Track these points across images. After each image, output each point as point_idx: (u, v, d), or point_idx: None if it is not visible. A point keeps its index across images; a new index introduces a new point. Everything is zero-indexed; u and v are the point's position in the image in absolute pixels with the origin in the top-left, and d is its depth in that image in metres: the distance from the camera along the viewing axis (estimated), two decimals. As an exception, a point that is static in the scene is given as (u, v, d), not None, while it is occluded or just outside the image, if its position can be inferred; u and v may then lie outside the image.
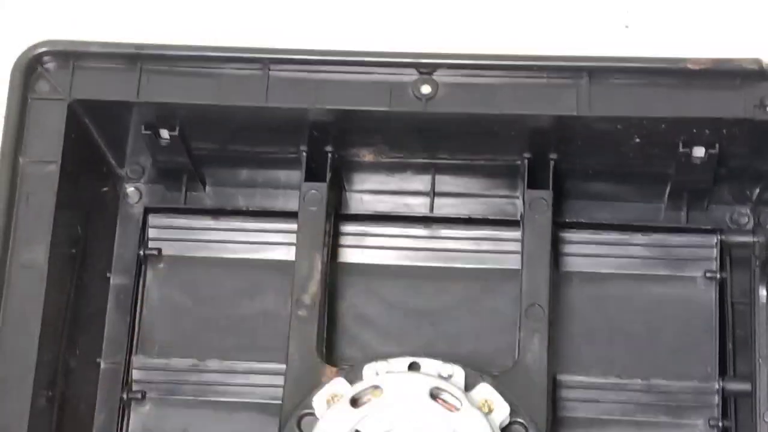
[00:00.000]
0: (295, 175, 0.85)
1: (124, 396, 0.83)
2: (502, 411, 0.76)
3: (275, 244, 0.87)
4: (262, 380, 0.84)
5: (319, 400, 0.77)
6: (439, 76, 0.78)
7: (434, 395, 0.74)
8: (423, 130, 0.81)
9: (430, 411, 0.74)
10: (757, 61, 0.77)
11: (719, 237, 0.85)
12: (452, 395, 0.74)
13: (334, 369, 0.79)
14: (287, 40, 0.79)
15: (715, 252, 0.85)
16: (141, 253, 0.86)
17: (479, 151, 0.83)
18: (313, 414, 0.77)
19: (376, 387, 0.75)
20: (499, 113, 0.78)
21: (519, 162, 0.82)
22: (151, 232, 0.87)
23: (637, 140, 0.80)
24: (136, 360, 0.85)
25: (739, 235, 0.85)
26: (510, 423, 0.76)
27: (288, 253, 0.85)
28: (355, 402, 0.75)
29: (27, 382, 0.75)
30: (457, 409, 0.74)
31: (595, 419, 0.82)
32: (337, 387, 0.77)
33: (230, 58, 0.80)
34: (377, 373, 0.77)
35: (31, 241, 0.77)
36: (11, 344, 0.75)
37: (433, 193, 0.87)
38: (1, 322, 0.76)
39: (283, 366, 0.80)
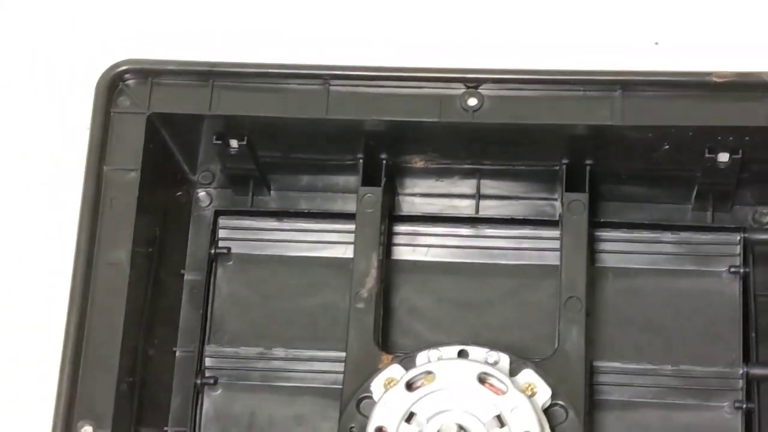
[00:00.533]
0: (353, 180, 0.88)
1: (198, 382, 0.85)
2: (544, 394, 0.78)
3: (334, 243, 0.89)
4: (323, 367, 0.86)
5: (376, 385, 0.79)
6: (484, 89, 0.81)
7: (482, 380, 0.77)
8: (469, 139, 0.83)
9: (479, 394, 0.77)
10: (778, 73, 0.79)
11: (742, 235, 0.87)
12: (498, 380, 0.77)
13: (389, 356, 0.81)
14: (346, 57, 0.81)
15: (738, 249, 0.87)
16: (212, 251, 0.88)
17: (521, 158, 0.85)
18: (371, 397, 0.79)
19: (429, 372, 0.78)
20: (540, 123, 0.80)
21: (557, 167, 0.84)
22: (221, 233, 0.90)
23: (666, 147, 0.82)
24: (209, 349, 0.87)
25: (760, 233, 0.87)
26: (551, 405, 0.78)
27: (345, 252, 0.88)
28: (409, 386, 0.77)
29: (112, 368, 0.78)
30: (503, 393, 0.76)
31: (629, 402, 0.84)
32: (393, 372, 0.79)
33: (294, 74, 0.82)
34: (429, 360, 0.79)
35: (115, 241, 0.80)
36: (98, 334, 0.78)
37: (478, 196, 0.89)
38: (89, 315, 0.78)
39: (343, 354, 0.82)
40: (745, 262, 0.86)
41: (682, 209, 0.89)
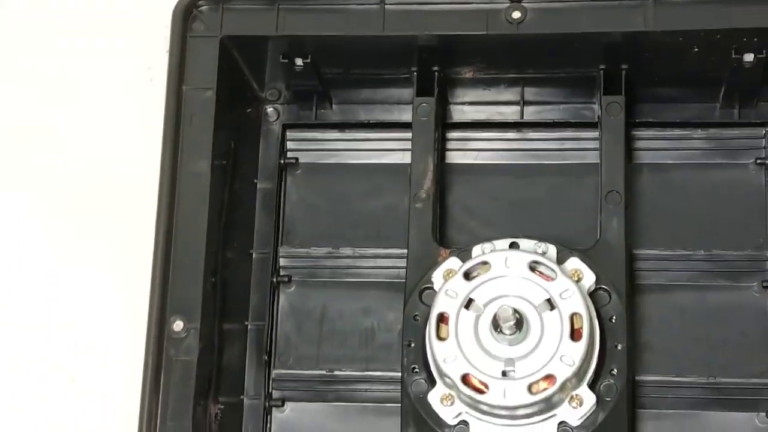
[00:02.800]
0: (407, 93, 0.87)
1: (274, 280, 0.86)
2: (589, 279, 0.78)
3: (392, 150, 0.90)
4: (387, 263, 0.86)
5: (437, 276, 0.80)
6: (527, 3, 0.80)
7: (533, 268, 0.77)
8: (514, 50, 0.83)
9: (531, 281, 0.77)
10: (805, -27, 0.78)
11: (767, 129, 0.86)
12: (548, 267, 0.77)
13: (447, 250, 0.81)
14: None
15: (763, 142, 0.87)
16: (281, 162, 0.89)
17: (561, 65, 0.85)
18: (432, 288, 0.80)
19: (485, 263, 0.78)
20: (578, 32, 0.80)
21: (595, 73, 0.84)
22: (289, 144, 0.90)
23: (696, 50, 0.81)
24: (282, 250, 0.88)
25: (784, 124, 0.86)
26: (596, 289, 0.79)
27: (403, 158, 0.88)
28: (467, 275, 0.78)
29: (198, 268, 0.79)
30: (553, 279, 0.77)
31: (666, 285, 0.84)
32: (451, 264, 0.80)
33: (352, -6, 0.82)
34: (483, 252, 0.79)
35: (196, 154, 0.81)
36: (184, 238, 0.79)
37: (522, 102, 0.89)
38: (175, 222, 0.79)
39: (404, 251, 0.83)
40: (771, 153, 0.85)
41: (710, 107, 0.88)
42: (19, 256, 0.84)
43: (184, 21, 0.83)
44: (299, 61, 0.85)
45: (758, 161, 0.87)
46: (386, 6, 0.82)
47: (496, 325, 0.75)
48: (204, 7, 0.83)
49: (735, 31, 0.80)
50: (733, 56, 0.81)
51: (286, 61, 0.85)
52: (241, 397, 0.85)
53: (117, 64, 0.83)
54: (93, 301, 0.82)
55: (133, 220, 0.82)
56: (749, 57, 0.82)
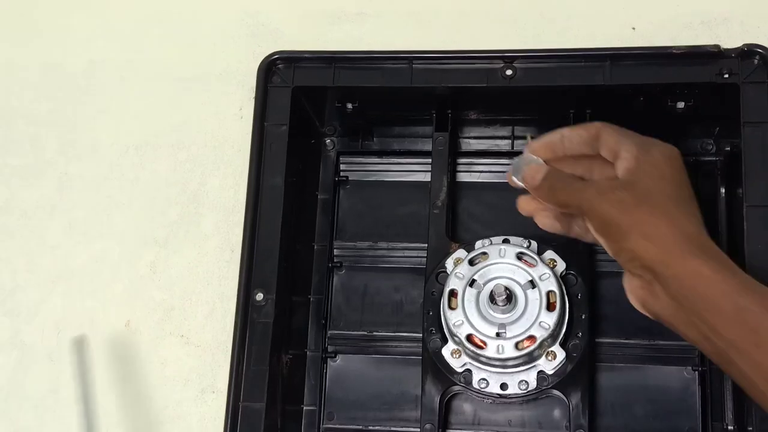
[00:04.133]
0: (428, 129, 0.88)
1: (329, 265, 0.87)
2: (561, 266, 0.79)
3: (416, 171, 0.90)
4: (412, 254, 0.87)
5: (449, 263, 0.80)
6: (517, 63, 0.81)
7: (519, 257, 0.78)
8: (507, 98, 0.83)
9: (518, 266, 0.78)
10: (717, 46, 0.78)
11: (692, 158, 0.86)
12: (531, 256, 0.78)
13: (456, 244, 0.82)
14: (423, 44, 0.83)
15: (691, 168, 0.84)
16: (336, 179, 0.90)
17: (542, 110, 0.85)
18: (445, 271, 0.80)
19: (484, 253, 0.79)
20: (556, 85, 0.81)
21: (568, 115, 0.84)
22: (342, 167, 0.90)
23: (641, 99, 0.81)
24: (336, 244, 0.88)
25: (706, 156, 0.86)
26: (566, 274, 0.79)
27: (425, 177, 0.88)
28: (471, 262, 0.79)
29: (274, 256, 0.79)
30: (534, 266, 0.77)
31: (618, 271, 0.73)
32: (459, 254, 0.80)
33: (388, 57, 0.83)
34: (483, 245, 0.80)
35: (274, 172, 0.81)
36: (265, 233, 0.80)
37: (513, 137, 0.88)
38: (258, 222, 0.80)
39: (424, 245, 0.83)
40: (695, 177, 0.85)
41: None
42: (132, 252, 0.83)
43: (266, 75, 0.83)
44: (349, 105, 0.86)
45: (687, 182, 0.86)
46: (413, 65, 0.82)
47: (492, 298, 0.76)
48: (281, 65, 0.84)
49: (670, 85, 0.80)
50: (669, 104, 0.82)
51: (340, 105, 0.86)
52: (305, 350, 0.86)
53: (217, 106, 0.83)
54: (194, 280, 0.81)
55: (226, 220, 0.81)
56: (680, 105, 0.82)
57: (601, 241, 0.64)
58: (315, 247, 0.88)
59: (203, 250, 0.81)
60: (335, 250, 0.88)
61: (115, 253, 0.82)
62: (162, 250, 0.81)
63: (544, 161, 0.68)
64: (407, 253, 0.87)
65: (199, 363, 0.78)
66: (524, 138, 0.87)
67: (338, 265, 0.88)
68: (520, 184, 0.69)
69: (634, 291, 0.63)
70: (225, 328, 0.77)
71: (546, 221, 0.69)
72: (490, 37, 0.82)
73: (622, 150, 0.65)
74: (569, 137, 0.68)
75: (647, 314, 0.63)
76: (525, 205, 0.70)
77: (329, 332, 0.86)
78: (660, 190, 0.62)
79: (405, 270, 0.87)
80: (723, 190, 0.83)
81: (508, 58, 0.81)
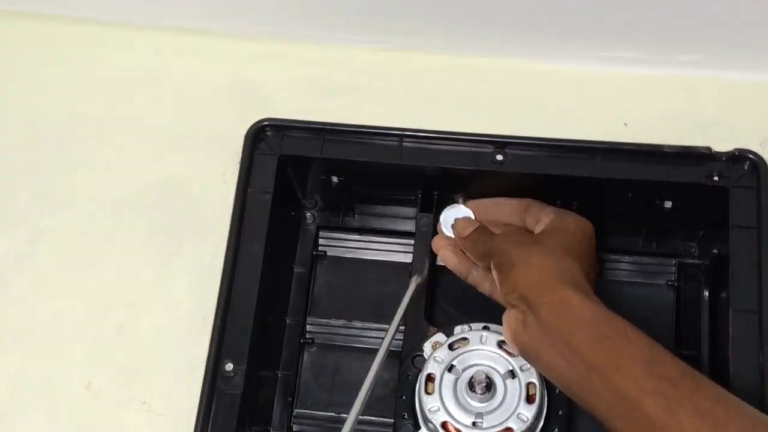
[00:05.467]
0: (410, 211, 0.87)
1: (300, 341, 0.86)
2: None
3: (395, 251, 0.89)
4: (385, 334, 0.82)
5: (427, 346, 0.78)
6: (508, 149, 0.81)
7: (500, 345, 0.76)
8: (494, 183, 0.82)
9: (499, 354, 0.76)
10: (708, 148, 0.79)
11: (677, 260, 0.86)
12: (512, 346, 0.76)
13: (435, 328, 0.80)
14: (413, 123, 0.81)
15: (674, 269, 0.86)
16: (314, 253, 0.88)
17: (532, 197, 0.83)
18: (422, 355, 0.78)
19: (464, 338, 0.77)
20: (546, 174, 0.80)
21: (557, 205, 0.82)
22: (321, 241, 0.89)
23: (630, 195, 0.81)
24: (309, 319, 0.87)
25: (689, 258, 0.86)
26: None
27: (404, 258, 0.87)
28: (451, 347, 0.77)
29: (248, 326, 0.77)
30: (515, 355, 0.75)
31: None
32: (438, 338, 0.78)
33: (378, 133, 0.82)
34: (463, 330, 0.78)
35: (254, 240, 0.79)
36: (240, 304, 0.78)
37: None
38: (234, 291, 0.78)
39: (400, 327, 0.81)
40: (678, 279, 0.86)
41: (634, 240, 0.88)
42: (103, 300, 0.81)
43: (253, 140, 0.82)
44: (335, 179, 0.85)
45: (669, 283, 0.86)
46: (403, 143, 0.82)
47: (471, 385, 0.74)
48: (269, 132, 0.83)
49: (660, 183, 0.80)
50: (657, 202, 0.82)
51: (325, 177, 0.85)
52: (269, 427, 0.83)
53: (200, 168, 0.82)
54: (162, 345, 0.78)
55: (200, 286, 0.79)
56: (668, 204, 0.82)
57: (495, 275, 0.71)
58: (287, 321, 0.86)
59: (174, 314, 0.78)
60: (308, 326, 0.87)
61: (82, 312, 0.79)
62: (131, 311, 0.79)
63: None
64: (382, 334, 0.83)
65: (160, 432, 0.74)
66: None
67: (310, 341, 0.86)
68: (446, 233, 0.80)
69: (509, 323, 0.68)
70: (190, 397, 0.75)
71: (447, 255, 0.79)
72: (481, 122, 0.82)
73: (543, 216, 0.76)
74: (503, 204, 0.79)
75: (515, 347, 0.69)
76: (436, 242, 0.81)
77: (295, 410, 0.84)
78: (559, 242, 0.71)
79: (376, 351, 0.82)
80: (706, 293, 0.83)
81: (499, 143, 0.81)
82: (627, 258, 0.87)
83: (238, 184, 0.81)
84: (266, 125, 0.83)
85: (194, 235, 0.82)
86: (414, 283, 0.80)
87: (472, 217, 0.81)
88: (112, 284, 0.81)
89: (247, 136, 0.82)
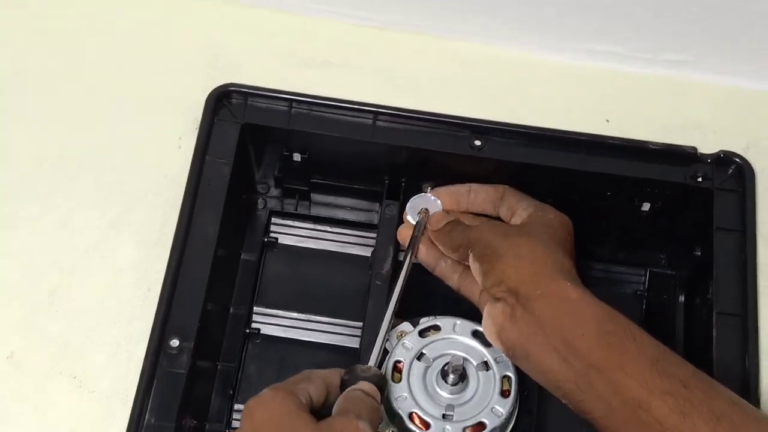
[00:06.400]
0: (369, 204, 0.84)
1: (245, 331, 0.80)
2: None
3: (352, 244, 0.84)
4: (337, 330, 0.80)
5: (393, 335, 0.73)
6: (488, 135, 0.77)
7: (474, 334, 0.72)
8: (469, 172, 0.78)
9: (473, 345, 0.71)
10: (694, 148, 0.77)
11: (647, 269, 0.84)
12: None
13: (399, 320, 0.74)
14: (389, 100, 0.77)
15: (644, 279, 0.84)
16: (264, 240, 0.83)
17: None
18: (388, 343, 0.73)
19: (435, 326, 0.72)
20: (526, 163, 0.77)
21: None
22: (272, 228, 0.84)
23: (608, 194, 0.79)
24: (256, 309, 0.81)
25: (659, 268, 0.84)
26: None
27: (362, 251, 0.83)
28: (421, 334, 0.72)
29: (198, 302, 0.71)
30: (490, 345, 0.71)
31: None
32: (404, 327, 0.73)
33: (352, 108, 0.78)
34: (429, 321, 0.73)
35: (209, 211, 0.74)
36: (190, 277, 0.72)
37: None
38: (183, 262, 0.72)
39: (350, 322, 0.79)
40: (648, 288, 0.84)
41: (606, 247, 0.85)
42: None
43: (215, 105, 0.77)
44: (297, 156, 0.80)
45: (637, 293, 0.84)
46: (377, 121, 0.78)
47: (444, 373, 0.69)
48: (234, 99, 0.78)
49: (643, 180, 0.77)
50: (635, 203, 0.79)
51: (287, 153, 0.80)
52: (205, 422, 0.76)
53: (154, 131, 0.75)
54: (99, 316, 0.71)
55: (147, 255, 0.72)
56: (646, 206, 0.79)
57: (477, 268, 0.67)
58: (231, 310, 0.80)
59: (115, 283, 0.71)
60: (255, 316, 0.81)
61: (9, 274, 0.71)
62: (66, 277, 0.71)
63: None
64: (334, 329, 0.81)
65: (90, 411, 0.67)
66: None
67: (255, 332, 0.80)
68: (412, 222, 0.75)
69: (494, 318, 0.64)
70: (128, 375, 0.67)
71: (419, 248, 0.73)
72: (460, 107, 0.78)
73: (519, 208, 0.71)
74: (476, 191, 0.74)
75: (500, 345, 0.65)
76: (403, 231, 0.76)
77: (236, 405, 0.77)
78: (549, 234, 0.67)
79: (328, 348, 0.80)
80: (682, 299, 0.80)
81: (478, 128, 0.77)
82: (596, 265, 0.84)
83: (196, 149, 0.75)
84: (231, 90, 0.77)
85: (143, 200, 0.75)
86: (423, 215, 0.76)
87: (440, 206, 0.76)
88: (47, 246, 0.73)
89: (208, 99, 0.77)
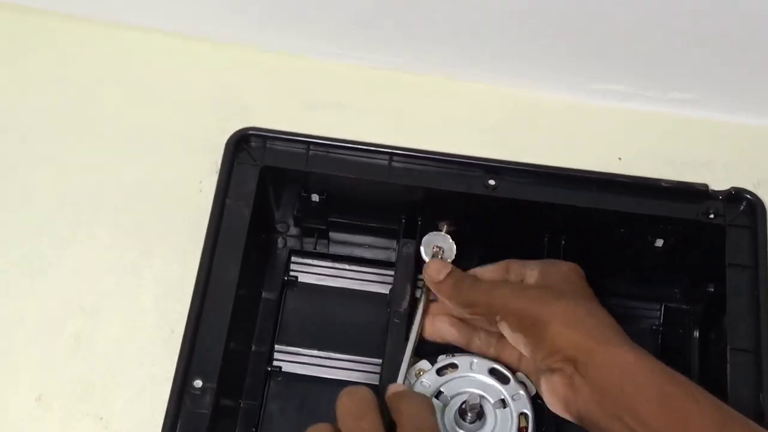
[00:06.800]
0: (388, 242, 0.85)
1: (267, 369, 0.81)
2: (531, 389, 0.73)
3: (371, 281, 0.85)
4: (357, 367, 0.81)
5: (410, 374, 0.74)
6: (502, 174, 0.79)
7: (491, 372, 0.73)
8: (483, 213, 0.80)
9: (489, 382, 0.73)
10: (705, 185, 0.78)
11: (662, 304, 0.84)
12: (503, 374, 0.73)
13: (416, 357, 0.76)
14: (404, 141, 0.78)
15: (659, 314, 0.84)
16: (284, 278, 0.84)
17: (517, 231, 0.81)
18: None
19: (453, 364, 0.73)
20: (540, 201, 0.78)
21: (545, 241, 0.81)
22: (292, 266, 0.85)
23: (622, 230, 0.79)
24: (277, 346, 0.82)
25: (675, 303, 0.84)
26: (537, 395, 0.73)
27: (380, 288, 0.84)
28: (438, 372, 0.73)
29: (220, 342, 0.72)
30: (507, 383, 0.72)
31: None
32: (422, 365, 0.74)
33: (368, 150, 0.79)
34: (448, 357, 0.74)
35: (229, 252, 0.75)
36: (212, 318, 0.73)
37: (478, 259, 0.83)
38: (205, 303, 0.73)
39: (371, 359, 0.79)
40: (664, 322, 0.84)
41: (620, 282, 0.85)
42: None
43: (235, 149, 0.79)
44: (315, 197, 0.81)
45: (653, 327, 0.84)
46: (393, 162, 0.79)
47: (462, 411, 0.70)
48: (252, 142, 0.79)
49: (656, 217, 0.78)
50: (648, 239, 0.80)
51: (306, 194, 0.81)
52: (229, 461, 0.77)
53: (174, 174, 0.78)
54: (123, 357, 0.72)
55: (168, 296, 0.74)
56: (659, 242, 0.80)
57: (519, 339, 0.66)
58: (253, 348, 0.81)
59: (138, 325, 0.73)
60: (276, 353, 0.82)
61: (36, 317, 0.73)
62: (91, 319, 0.73)
63: None
64: (354, 366, 0.81)
65: (116, 451, 0.68)
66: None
67: (277, 370, 0.81)
68: (426, 258, 0.76)
69: (555, 390, 0.63)
70: (153, 416, 0.69)
71: (444, 328, 0.72)
72: (473, 147, 0.79)
73: (527, 270, 0.70)
74: (481, 273, 0.73)
75: (569, 416, 0.63)
76: (434, 318, 0.74)
77: (259, 442, 0.78)
78: (571, 289, 0.67)
79: (348, 384, 0.78)
80: (696, 334, 0.81)
81: (492, 168, 0.79)
82: (612, 300, 0.82)
83: (217, 193, 0.77)
84: (250, 133, 0.79)
85: (164, 243, 0.77)
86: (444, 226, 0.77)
87: (454, 246, 0.78)
88: (71, 290, 0.74)
89: (228, 144, 0.79)
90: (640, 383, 0.60)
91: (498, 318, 0.67)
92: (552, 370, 0.63)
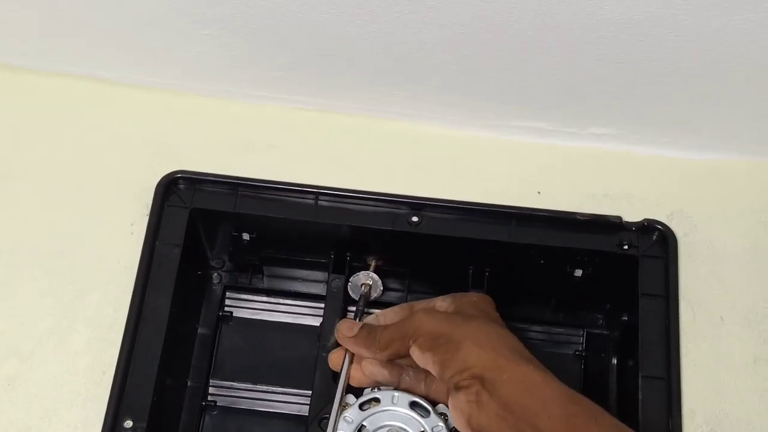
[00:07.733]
0: (319, 274, 0.87)
1: (202, 404, 0.83)
2: (451, 422, 0.75)
3: (305, 315, 0.88)
4: (291, 399, 0.84)
5: (334, 408, 0.76)
6: (424, 211, 0.81)
7: (412, 406, 0.75)
8: (409, 248, 0.82)
9: (411, 415, 0.74)
10: (619, 218, 0.81)
11: (584, 330, 0.87)
12: (424, 407, 0.75)
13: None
14: (330, 181, 0.81)
15: (581, 339, 0.87)
16: (219, 314, 0.86)
17: (441, 264, 0.84)
18: (328, 417, 0.75)
19: (375, 399, 0.75)
20: (461, 237, 0.81)
21: (469, 272, 0.84)
22: (227, 301, 0.88)
23: (542, 262, 0.82)
24: (212, 381, 0.84)
25: (596, 329, 0.87)
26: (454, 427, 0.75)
27: (313, 321, 0.86)
28: (361, 407, 0.75)
29: (150, 383, 0.75)
30: (427, 417, 0.74)
31: None
32: (348, 399, 0.76)
33: (294, 190, 0.82)
34: (373, 391, 0.76)
35: (160, 294, 0.77)
36: (142, 360, 0.75)
37: (407, 291, 0.87)
38: (136, 345, 0.76)
39: (305, 391, 0.81)
40: (586, 348, 0.87)
41: (543, 309, 0.88)
42: None
43: (165, 192, 0.81)
44: (246, 236, 0.83)
45: (576, 353, 0.87)
46: (319, 201, 0.82)
47: (384, 445, 0.72)
48: (181, 185, 0.82)
49: (572, 249, 0.81)
50: (567, 270, 0.82)
51: (236, 234, 0.83)
52: (162, 497, 0.79)
53: (106, 218, 0.80)
54: (57, 400, 0.74)
55: (101, 339, 0.76)
56: (578, 272, 0.83)
57: (428, 359, 0.68)
58: (189, 383, 0.83)
59: (72, 368, 0.75)
60: (210, 389, 0.84)
61: (-30, 363, 0.74)
62: (25, 363, 0.75)
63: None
64: (288, 398, 0.84)
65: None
66: (419, 293, 0.86)
67: (212, 404, 0.83)
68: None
69: (460, 407, 0.65)
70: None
71: (375, 369, 0.74)
72: (397, 184, 0.82)
73: (437, 301, 0.75)
74: (386, 314, 0.76)
75: (469, 431, 0.65)
76: (334, 358, 0.76)
77: (195, 477, 0.80)
78: (482, 315, 0.71)
79: (282, 417, 0.83)
80: (615, 361, 0.83)
81: (415, 204, 0.81)
82: (536, 327, 0.87)
83: (147, 235, 0.79)
84: (179, 177, 0.82)
85: (97, 286, 0.79)
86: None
87: (380, 284, 0.83)
88: (5, 333, 0.76)
89: (158, 187, 0.81)
90: (545, 401, 0.62)
91: (410, 342, 0.69)
92: (458, 388, 0.65)
